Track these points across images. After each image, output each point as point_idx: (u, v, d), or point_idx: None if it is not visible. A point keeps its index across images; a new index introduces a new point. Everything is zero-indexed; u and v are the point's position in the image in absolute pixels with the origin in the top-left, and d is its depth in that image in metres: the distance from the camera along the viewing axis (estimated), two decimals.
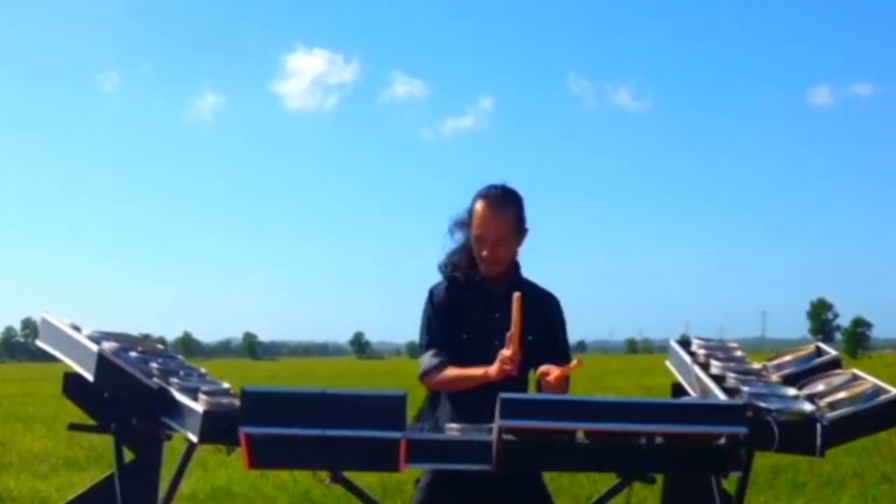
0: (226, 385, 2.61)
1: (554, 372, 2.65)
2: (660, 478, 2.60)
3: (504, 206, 2.85)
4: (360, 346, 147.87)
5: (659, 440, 2.36)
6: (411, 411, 2.49)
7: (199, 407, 2.40)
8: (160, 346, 2.95)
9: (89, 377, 2.57)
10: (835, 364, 2.86)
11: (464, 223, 2.92)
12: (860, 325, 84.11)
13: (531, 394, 2.68)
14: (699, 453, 2.39)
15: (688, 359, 2.92)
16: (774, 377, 2.84)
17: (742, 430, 2.32)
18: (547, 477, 2.92)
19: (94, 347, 2.57)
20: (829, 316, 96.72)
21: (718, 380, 2.73)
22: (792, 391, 2.66)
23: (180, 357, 2.87)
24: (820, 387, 2.69)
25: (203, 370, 2.78)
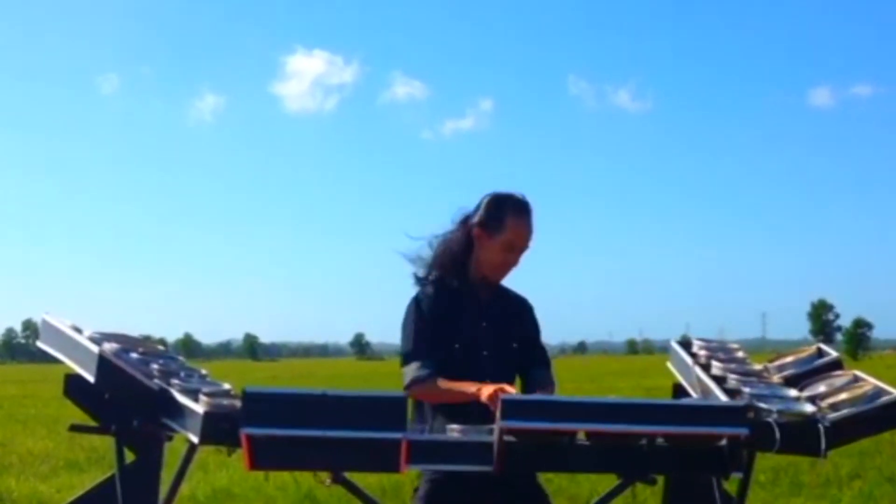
0: (226, 386, 2.60)
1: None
2: (661, 479, 2.60)
3: (531, 214, 2.89)
4: (360, 347, 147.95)
5: (660, 441, 2.36)
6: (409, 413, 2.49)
7: (199, 408, 2.39)
8: (161, 348, 2.95)
9: (90, 378, 2.57)
10: (836, 365, 2.85)
11: (468, 229, 2.87)
12: (861, 325, 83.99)
13: (532, 395, 2.68)
14: (700, 454, 2.39)
15: (689, 360, 2.92)
16: (776, 378, 2.83)
17: (743, 432, 2.32)
18: (544, 477, 2.91)
19: (94, 349, 2.57)
20: (830, 317, 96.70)
21: (719, 381, 2.72)
22: (793, 392, 2.66)
23: (181, 358, 2.87)
24: (821, 388, 2.69)
25: (204, 371, 2.77)
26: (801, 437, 2.45)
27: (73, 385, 2.67)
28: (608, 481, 2.53)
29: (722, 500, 2.75)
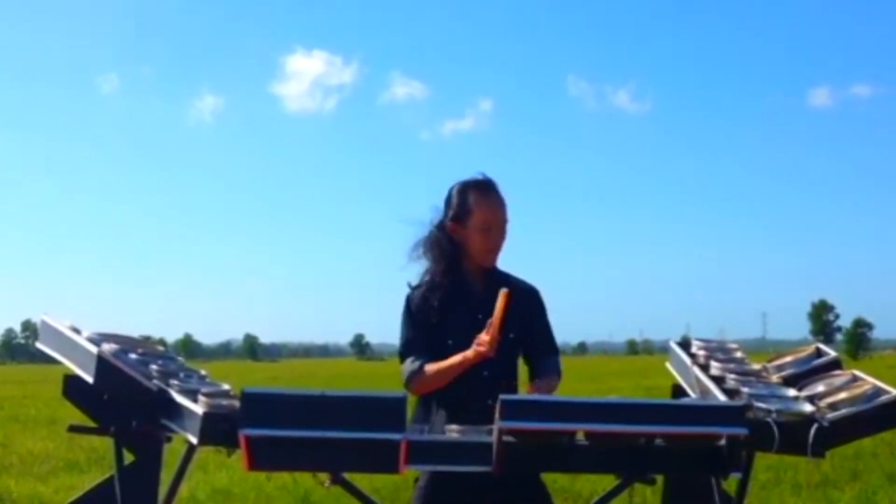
0: (226, 387, 2.60)
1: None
2: (660, 479, 2.60)
3: (496, 189, 2.88)
4: (360, 347, 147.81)
5: (659, 441, 2.36)
6: (410, 413, 2.49)
7: (199, 409, 2.39)
8: (160, 348, 2.95)
9: (89, 379, 2.57)
10: (835, 365, 2.85)
11: (443, 226, 2.88)
12: (861, 325, 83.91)
13: (531, 395, 2.68)
14: (699, 454, 2.39)
15: (688, 360, 2.92)
16: (774, 378, 2.83)
17: (742, 431, 2.32)
18: (547, 477, 2.92)
19: (93, 349, 2.57)
20: (830, 317, 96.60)
21: (718, 381, 2.72)
22: (792, 392, 2.66)
23: (180, 359, 2.87)
24: (820, 388, 2.68)
25: (203, 372, 2.78)
26: (800, 436, 2.44)
27: (73, 386, 2.67)
28: (608, 481, 2.53)
29: (721, 500, 2.74)
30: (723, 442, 2.35)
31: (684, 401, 2.72)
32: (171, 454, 2.75)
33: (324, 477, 2.38)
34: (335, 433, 2.25)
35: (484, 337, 2.66)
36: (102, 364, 2.53)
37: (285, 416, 2.25)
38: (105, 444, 2.76)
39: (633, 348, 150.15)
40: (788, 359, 2.94)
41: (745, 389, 2.59)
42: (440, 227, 2.91)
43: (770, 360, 2.98)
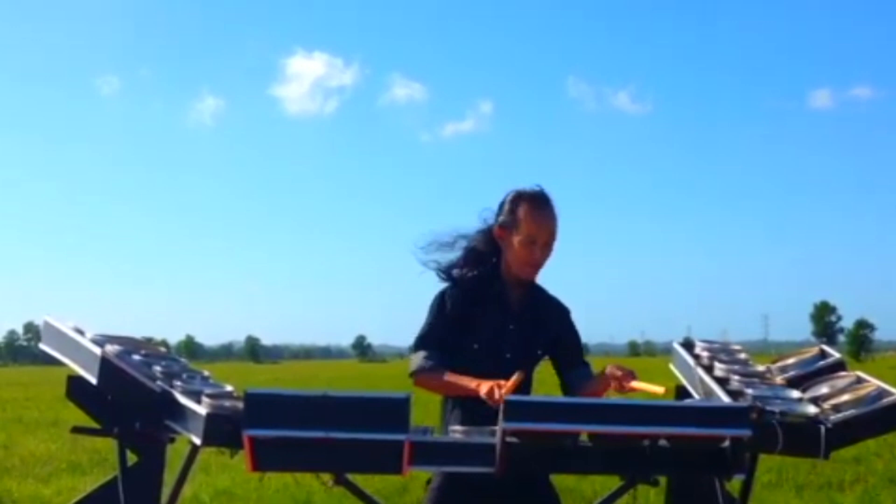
0: (229, 388, 2.60)
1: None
2: (663, 480, 2.60)
3: (551, 205, 2.85)
4: (362, 349, 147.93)
5: (663, 443, 2.35)
6: (417, 415, 2.48)
7: (202, 410, 2.39)
8: (163, 350, 2.95)
9: (92, 380, 2.57)
10: (839, 366, 2.85)
11: (490, 230, 2.87)
12: (863, 327, 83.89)
13: (535, 396, 2.68)
14: (703, 456, 2.38)
15: (691, 361, 2.91)
16: (778, 380, 2.83)
17: (746, 433, 2.31)
18: (553, 477, 2.91)
19: (97, 351, 2.57)
20: (833, 318, 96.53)
21: (722, 382, 2.72)
22: (796, 393, 2.66)
23: (183, 360, 2.87)
24: (824, 389, 2.68)
25: (206, 373, 2.78)
26: (804, 438, 2.44)
27: (76, 387, 2.67)
28: (613, 481, 2.53)
29: (724, 502, 2.74)
30: (726, 443, 2.35)
31: (688, 402, 2.71)
32: (175, 455, 2.74)
33: (327, 478, 2.38)
34: (339, 434, 2.25)
35: (505, 383, 2.59)
36: (106, 365, 2.53)
37: (289, 416, 2.25)
38: (107, 445, 2.76)
39: (634, 349, 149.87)
40: (792, 360, 2.93)
41: (749, 391, 2.58)
42: (488, 230, 2.90)
43: (774, 362, 2.98)
